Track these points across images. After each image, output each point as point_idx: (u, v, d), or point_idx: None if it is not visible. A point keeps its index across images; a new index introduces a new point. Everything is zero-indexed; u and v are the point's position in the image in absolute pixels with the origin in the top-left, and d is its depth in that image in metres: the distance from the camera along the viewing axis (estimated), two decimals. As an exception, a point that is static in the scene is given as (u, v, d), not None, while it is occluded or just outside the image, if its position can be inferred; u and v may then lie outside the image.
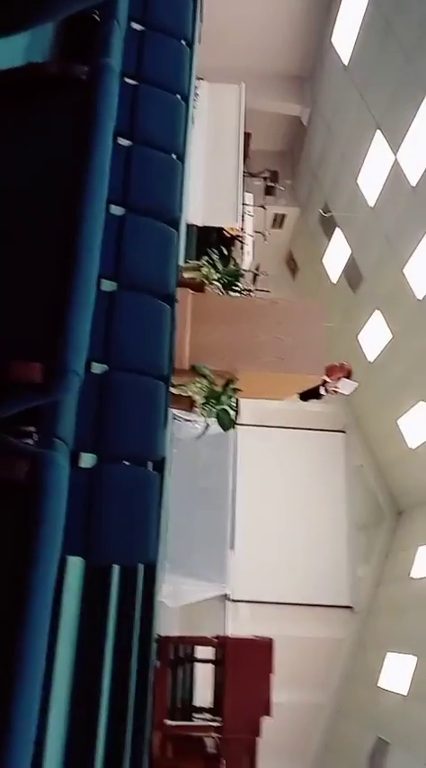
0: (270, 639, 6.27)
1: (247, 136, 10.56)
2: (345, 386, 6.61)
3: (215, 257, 5.96)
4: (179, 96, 4.67)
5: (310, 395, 6.60)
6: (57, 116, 1.50)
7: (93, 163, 1.39)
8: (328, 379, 6.32)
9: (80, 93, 1.45)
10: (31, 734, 1.20)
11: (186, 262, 6.54)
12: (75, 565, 3.63)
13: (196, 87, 7.29)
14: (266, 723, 6.14)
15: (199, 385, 5.18)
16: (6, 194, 1.44)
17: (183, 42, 4.92)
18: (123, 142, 3.94)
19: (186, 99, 4.83)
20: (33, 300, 1.37)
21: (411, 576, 12.43)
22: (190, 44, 5.11)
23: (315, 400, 6.88)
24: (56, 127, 1.49)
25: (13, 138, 1.47)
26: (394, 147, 9.97)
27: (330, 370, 6.06)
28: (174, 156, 4.38)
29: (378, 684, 11.67)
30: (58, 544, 1.32)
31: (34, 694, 1.20)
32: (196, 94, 7.45)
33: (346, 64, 10.90)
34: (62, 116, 1.49)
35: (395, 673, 11.34)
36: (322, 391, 6.52)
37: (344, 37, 10.80)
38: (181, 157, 4.47)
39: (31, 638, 1.21)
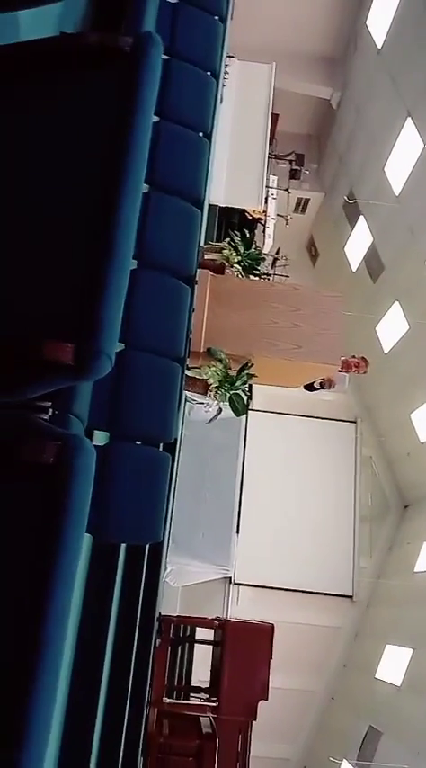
0: (271, 625, 6.31)
1: (275, 117, 10.38)
2: (339, 380, 6.59)
3: (237, 239, 5.89)
4: (209, 73, 4.58)
5: (312, 386, 6.63)
6: (97, 88, 1.44)
7: (134, 140, 1.35)
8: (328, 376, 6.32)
9: (122, 66, 1.40)
10: (50, 719, 1.20)
11: (207, 242, 6.47)
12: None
13: (226, 65, 7.15)
14: (260, 705, 6.21)
15: (214, 368, 5.14)
16: (43, 169, 1.40)
17: (217, 18, 4.82)
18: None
19: (217, 76, 4.74)
20: (67, 280, 1.34)
21: (414, 570, 12.43)
22: (224, 20, 5.00)
23: (320, 390, 6.89)
24: (95, 99, 1.44)
25: (50, 110, 1.43)
26: (425, 135, 9.76)
27: (346, 364, 6.00)
28: (202, 135, 4.30)
29: (375, 675, 11.75)
30: (84, 529, 1.32)
31: (56, 671, 1.20)
32: (226, 72, 7.30)
33: (380, 48, 10.65)
34: (102, 88, 1.44)
35: (392, 664, 11.41)
36: (316, 385, 6.52)
37: (379, 20, 10.53)
38: (209, 136, 4.39)
39: (55, 623, 1.21)
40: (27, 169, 1.42)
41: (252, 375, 5.41)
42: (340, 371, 6.29)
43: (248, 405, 5.91)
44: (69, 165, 1.41)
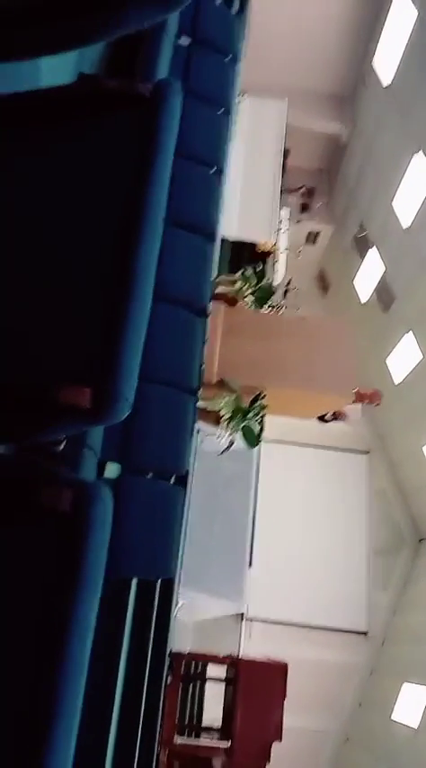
0: (285, 664, 6.16)
1: (286, 152, 10.55)
2: (352, 411, 6.57)
3: (249, 272, 5.94)
4: (222, 110, 4.68)
5: (325, 418, 6.61)
6: (117, 132, 1.47)
7: (154, 186, 1.36)
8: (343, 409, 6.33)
9: (142, 112, 1.43)
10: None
11: (219, 275, 6.53)
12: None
13: (238, 102, 7.31)
14: (273, 745, 6.02)
15: (226, 400, 5.14)
16: (62, 212, 1.42)
17: (229, 58, 4.94)
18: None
19: (229, 113, 4.84)
20: (85, 323, 1.35)
21: (430, 605, 12.16)
22: (236, 60, 5.13)
23: (335, 421, 6.88)
24: (115, 144, 1.47)
25: (70, 154, 1.45)
26: (434, 169, 9.88)
27: (359, 396, 5.98)
28: (215, 171, 4.38)
29: (391, 714, 11.40)
30: (101, 577, 1.30)
31: (73, 723, 1.18)
32: (238, 109, 7.46)
33: (388, 85, 10.86)
34: (122, 133, 1.47)
35: (409, 704, 11.07)
36: (328, 417, 6.51)
37: (387, 58, 10.76)
38: (222, 172, 4.47)
39: (73, 670, 1.19)
40: (46, 211, 1.44)
41: (265, 406, 5.40)
42: (353, 402, 6.26)
43: (260, 436, 5.88)
44: (88, 207, 1.43)
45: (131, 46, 3.68)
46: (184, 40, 4.70)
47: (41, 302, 1.37)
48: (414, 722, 10.52)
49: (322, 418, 6.83)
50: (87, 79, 1.75)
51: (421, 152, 10.23)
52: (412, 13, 9.53)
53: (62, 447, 2.48)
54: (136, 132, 1.44)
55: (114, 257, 1.35)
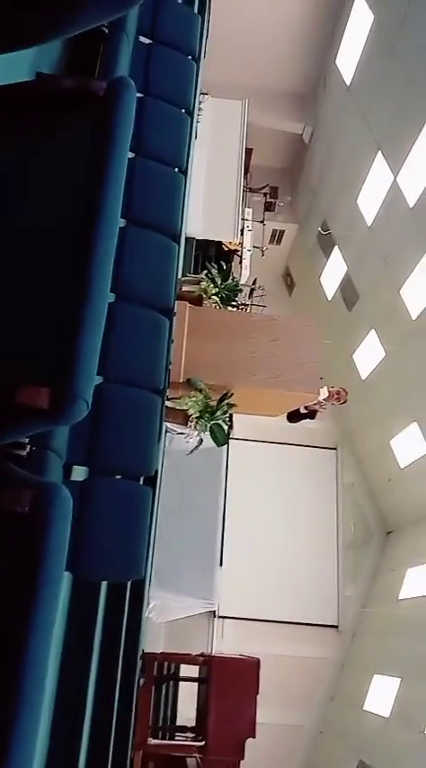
0: (257, 659, 6.19)
1: (248, 151, 10.62)
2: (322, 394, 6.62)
3: (214, 271, 5.95)
4: (184, 111, 4.68)
5: (296, 416, 6.65)
6: (72, 131, 1.46)
7: (108, 184, 1.36)
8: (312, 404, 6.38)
9: (97, 110, 1.42)
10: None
11: (184, 275, 6.53)
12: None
13: (200, 102, 7.32)
14: (248, 741, 6.05)
15: (194, 399, 5.14)
16: (17, 213, 1.40)
17: (190, 57, 4.95)
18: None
19: (191, 113, 4.84)
20: (43, 323, 1.33)
21: (398, 597, 12.36)
22: (197, 59, 5.14)
23: (308, 420, 6.93)
24: (70, 143, 1.45)
25: (24, 154, 1.44)
26: (394, 168, 10.04)
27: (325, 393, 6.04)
28: (177, 170, 4.38)
29: (363, 706, 11.56)
30: (61, 580, 1.29)
31: (34, 736, 1.16)
32: (200, 109, 7.47)
33: (349, 84, 11.01)
34: (77, 131, 1.46)
35: (380, 695, 11.25)
36: (302, 410, 6.56)
37: (348, 58, 10.91)
38: (184, 171, 4.47)
39: (34, 671, 1.18)
40: None
41: (233, 405, 5.42)
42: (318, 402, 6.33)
43: (229, 434, 5.90)
44: (43, 206, 1.41)
45: (92, 46, 3.66)
46: (145, 40, 4.69)
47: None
48: (386, 711, 10.70)
49: (294, 418, 6.86)
50: (43, 78, 1.73)
51: (379, 152, 10.40)
52: (369, 17, 9.70)
53: (27, 451, 2.44)
54: (90, 130, 1.43)
55: (70, 256, 1.34)
